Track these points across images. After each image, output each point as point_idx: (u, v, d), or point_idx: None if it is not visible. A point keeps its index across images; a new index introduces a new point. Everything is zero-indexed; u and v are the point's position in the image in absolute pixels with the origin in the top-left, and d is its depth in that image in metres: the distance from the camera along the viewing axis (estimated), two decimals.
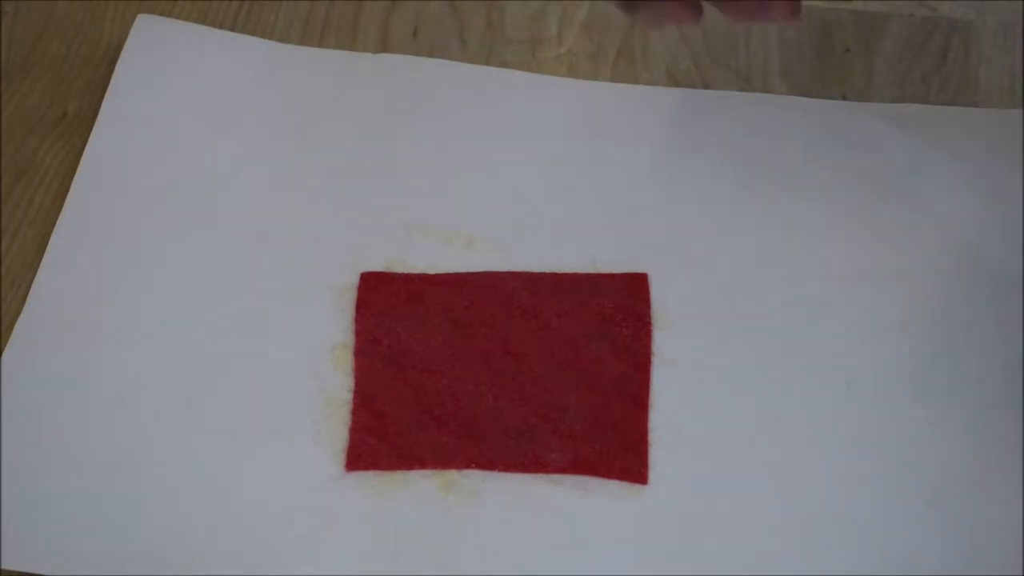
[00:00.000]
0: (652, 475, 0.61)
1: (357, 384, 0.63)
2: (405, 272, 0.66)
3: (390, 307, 0.65)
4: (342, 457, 0.61)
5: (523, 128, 0.72)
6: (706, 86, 0.74)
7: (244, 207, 0.69)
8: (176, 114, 0.72)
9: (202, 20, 0.76)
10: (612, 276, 0.66)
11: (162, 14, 0.75)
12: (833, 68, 0.75)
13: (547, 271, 0.66)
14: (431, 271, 0.66)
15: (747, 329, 0.65)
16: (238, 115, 0.72)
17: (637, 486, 0.60)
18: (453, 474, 0.61)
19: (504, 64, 0.75)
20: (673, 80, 0.74)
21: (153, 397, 0.62)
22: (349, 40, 0.76)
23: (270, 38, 0.75)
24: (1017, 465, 0.61)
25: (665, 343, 0.64)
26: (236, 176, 0.70)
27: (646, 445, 0.62)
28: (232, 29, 0.75)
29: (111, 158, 0.70)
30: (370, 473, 0.61)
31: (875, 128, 0.72)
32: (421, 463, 0.61)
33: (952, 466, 0.61)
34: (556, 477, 0.61)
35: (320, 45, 0.75)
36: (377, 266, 0.67)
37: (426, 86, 0.73)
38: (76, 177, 0.69)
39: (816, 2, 0.77)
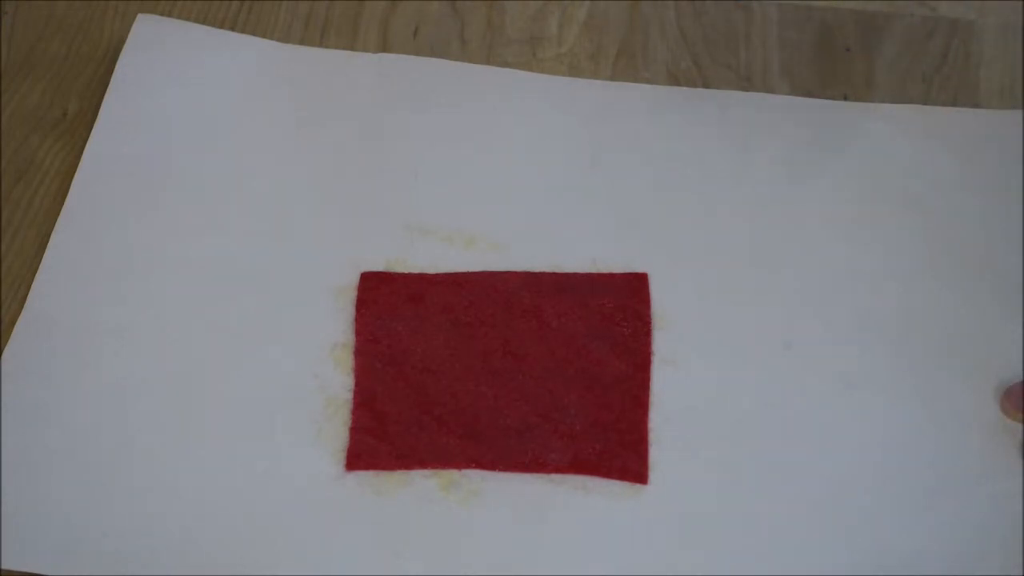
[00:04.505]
0: (652, 475, 0.61)
1: (357, 384, 0.63)
2: (405, 272, 0.66)
3: (390, 307, 0.65)
4: (342, 457, 0.61)
5: (523, 128, 0.72)
6: (706, 86, 0.74)
7: (244, 207, 0.69)
8: (176, 114, 0.72)
9: (202, 20, 0.76)
10: (612, 276, 0.66)
11: (162, 14, 0.75)
12: (833, 68, 0.75)
13: (547, 271, 0.66)
14: (431, 271, 0.66)
15: (747, 329, 0.65)
16: (238, 115, 0.72)
17: (637, 486, 0.61)
18: (453, 474, 0.61)
19: (504, 64, 0.75)
20: (673, 80, 0.74)
21: (153, 397, 0.62)
22: (349, 40, 0.76)
23: (270, 38, 0.75)
24: (1017, 465, 0.61)
25: (665, 343, 0.64)
26: (236, 176, 0.70)
27: (646, 445, 0.62)
28: (232, 29, 0.75)
29: (111, 158, 0.70)
30: (370, 473, 0.61)
31: (875, 128, 0.72)
32: (421, 463, 0.61)
33: (952, 466, 0.61)
34: (556, 477, 0.61)
35: (320, 45, 0.75)
36: (377, 266, 0.67)
37: (426, 86, 0.73)
38: (76, 177, 0.69)
39: (816, 2, 0.77)
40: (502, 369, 0.63)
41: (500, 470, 0.61)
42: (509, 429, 0.62)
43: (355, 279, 0.66)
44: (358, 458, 0.61)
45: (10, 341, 0.64)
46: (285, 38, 0.76)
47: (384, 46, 0.76)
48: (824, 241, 0.68)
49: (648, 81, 0.74)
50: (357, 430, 0.62)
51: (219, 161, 0.70)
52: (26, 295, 0.65)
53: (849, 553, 0.59)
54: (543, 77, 0.74)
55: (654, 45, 0.76)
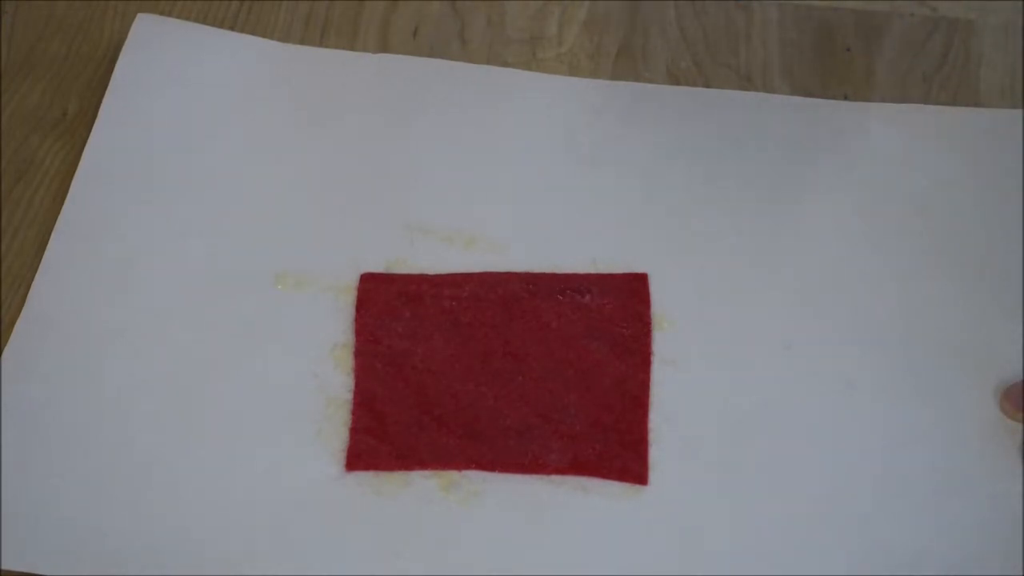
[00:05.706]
0: (652, 475, 0.61)
1: (357, 384, 0.63)
2: (405, 272, 0.66)
3: (390, 307, 0.65)
4: (342, 457, 0.61)
5: (523, 128, 0.72)
6: (706, 86, 0.74)
7: (244, 207, 0.68)
8: (176, 114, 0.72)
9: (202, 20, 0.76)
10: (612, 276, 0.66)
11: (162, 14, 0.75)
12: (833, 68, 0.75)
13: (547, 271, 0.66)
14: (431, 271, 0.66)
15: (747, 329, 0.65)
16: (238, 115, 0.72)
17: (637, 486, 0.61)
18: (453, 474, 0.61)
19: (504, 64, 0.75)
20: (673, 79, 0.74)
21: (153, 397, 0.62)
22: (349, 40, 0.76)
23: (270, 38, 0.75)
24: (1017, 465, 0.61)
25: (665, 343, 0.64)
26: (236, 176, 0.70)
27: (646, 445, 0.62)
28: (232, 29, 0.75)
29: (111, 158, 0.70)
30: (370, 473, 0.61)
31: (875, 128, 0.72)
32: (421, 463, 0.61)
33: (952, 466, 0.61)
34: (556, 478, 0.61)
35: (320, 45, 0.75)
36: (377, 266, 0.67)
37: (426, 86, 0.73)
38: (76, 177, 0.69)
39: (816, 1, 0.77)
40: (502, 370, 0.63)
41: (500, 471, 0.61)
42: (509, 430, 0.62)
43: (355, 279, 0.66)
44: (358, 458, 0.61)
45: (10, 341, 0.64)
46: (285, 38, 0.76)
47: (384, 46, 0.76)
48: (824, 241, 0.68)
49: (648, 80, 0.74)
50: (357, 430, 0.62)
51: (219, 161, 0.70)
52: (26, 295, 0.65)
53: (849, 553, 0.59)
54: (543, 77, 0.74)
55: (654, 45, 0.76)
